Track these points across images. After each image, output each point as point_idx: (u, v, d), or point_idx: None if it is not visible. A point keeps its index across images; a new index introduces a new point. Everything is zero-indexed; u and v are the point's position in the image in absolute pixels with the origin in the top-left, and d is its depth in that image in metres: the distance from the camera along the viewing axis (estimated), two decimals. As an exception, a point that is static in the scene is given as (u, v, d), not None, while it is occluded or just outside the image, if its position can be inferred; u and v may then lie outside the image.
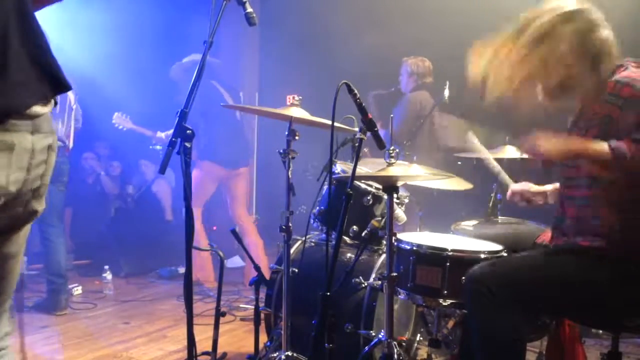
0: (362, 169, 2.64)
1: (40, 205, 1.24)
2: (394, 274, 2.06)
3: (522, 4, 1.87)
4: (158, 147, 4.85)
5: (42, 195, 1.24)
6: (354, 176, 1.86)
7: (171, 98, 4.52)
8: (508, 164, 2.84)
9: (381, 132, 2.07)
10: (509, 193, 2.33)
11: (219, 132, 4.44)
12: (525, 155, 2.65)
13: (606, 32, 1.78)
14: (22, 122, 1.12)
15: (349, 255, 2.60)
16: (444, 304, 2.09)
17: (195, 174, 4.39)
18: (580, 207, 1.84)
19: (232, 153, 4.49)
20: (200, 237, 4.40)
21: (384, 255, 2.51)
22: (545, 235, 2.12)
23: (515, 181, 2.45)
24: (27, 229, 1.26)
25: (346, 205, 1.81)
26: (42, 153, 1.18)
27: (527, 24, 1.80)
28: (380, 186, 2.51)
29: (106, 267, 4.50)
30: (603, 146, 1.68)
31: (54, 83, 1.19)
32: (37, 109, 1.14)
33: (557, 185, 2.21)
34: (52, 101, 1.21)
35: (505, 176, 2.59)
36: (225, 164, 4.47)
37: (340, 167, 2.63)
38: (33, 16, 1.18)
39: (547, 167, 1.89)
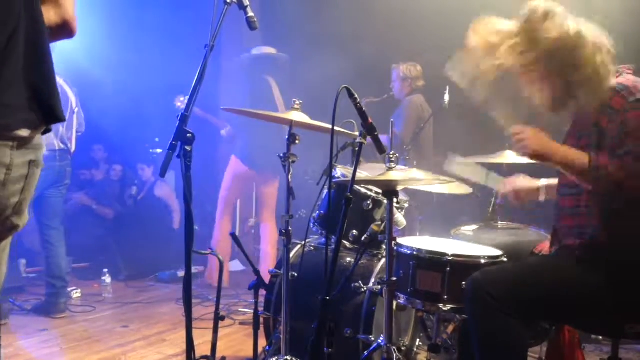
0: (362, 174, 2.63)
1: (21, 220, 1.20)
2: (394, 278, 2.05)
3: (519, 8, 1.87)
4: (158, 151, 4.84)
5: (24, 210, 1.20)
6: (354, 180, 1.86)
7: (170, 101, 4.54)
8: (508, 170, 2.83)
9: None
10: (502, 192, 2.29)
11: (258, 133, 4.15)
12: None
13: (598, 42, 1.78)
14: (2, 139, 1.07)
15: (348, 259, 2.60)
16: (444, 309, 2.08)
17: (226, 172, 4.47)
18: (575, 216, 1.84)
19: (263, 157, 4.19)
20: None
21: (383, 260, 2.51)
22: (542, 246, 2.12)
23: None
24: (6, 243, 1.22)
25: (346, 210, 1.81)
26: (21, 168, 1.14)
27: (525, 34, 1.79)
28: (380, 190, 2.50)
29: (105, 270, 4.50)
30: (584, 158, 1.68)
31: (46, 112, 1.14)
32: (21, 132, 1.10)
33: (550, 180, 2.19)
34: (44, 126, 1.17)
35: (494, 176, 2.57)
36: (253, 166, 4.36)
37: (341, 172, 2.63)
38: (43, 43, 1.14)
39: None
